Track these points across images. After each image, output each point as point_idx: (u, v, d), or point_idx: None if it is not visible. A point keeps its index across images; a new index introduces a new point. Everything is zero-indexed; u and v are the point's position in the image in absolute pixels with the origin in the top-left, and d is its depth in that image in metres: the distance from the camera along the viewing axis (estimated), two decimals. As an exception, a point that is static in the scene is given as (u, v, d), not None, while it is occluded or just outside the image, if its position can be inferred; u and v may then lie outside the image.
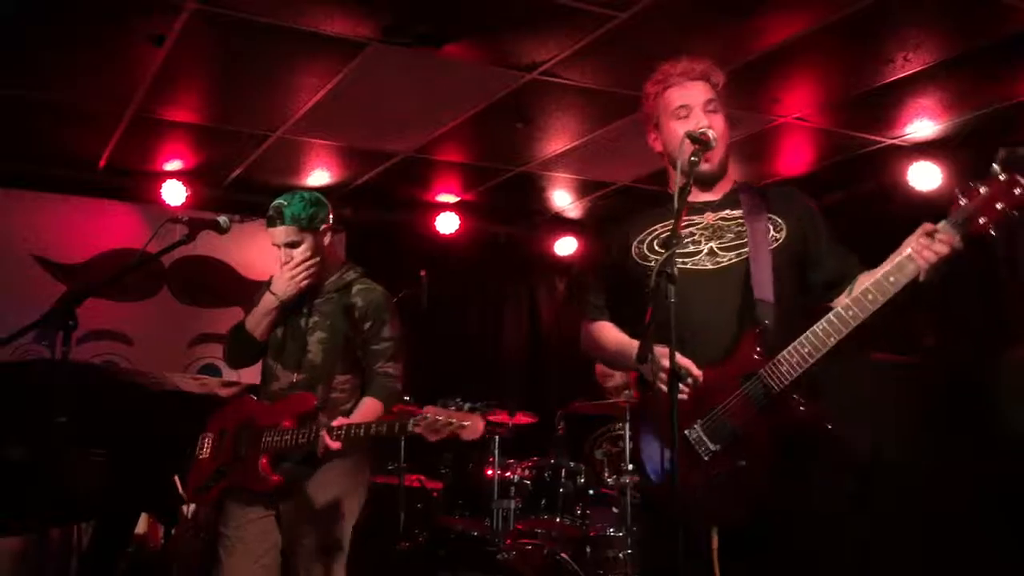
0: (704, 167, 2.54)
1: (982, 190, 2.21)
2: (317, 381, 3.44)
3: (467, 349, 7.60)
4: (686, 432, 2.45)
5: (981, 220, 2.22)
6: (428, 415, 3.06)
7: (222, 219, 3.43)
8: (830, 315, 2.35)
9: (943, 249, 2.25)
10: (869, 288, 2.31)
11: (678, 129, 2.59)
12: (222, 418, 3.56)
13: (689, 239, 2.61)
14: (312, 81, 5.00)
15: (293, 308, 3.53)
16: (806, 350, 2.36)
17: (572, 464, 4.64)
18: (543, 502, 4.56)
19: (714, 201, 2.67)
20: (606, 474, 4.71)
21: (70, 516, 4.52)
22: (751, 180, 2.82)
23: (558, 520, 4.52)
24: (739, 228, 2.59)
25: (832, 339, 2.34)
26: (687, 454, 2.42)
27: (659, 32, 4.32)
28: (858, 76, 4.90)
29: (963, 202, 2.24)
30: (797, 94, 5.12)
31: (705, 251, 2.59)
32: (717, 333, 2.51)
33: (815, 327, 2.36)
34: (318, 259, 3.49)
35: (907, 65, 4.72)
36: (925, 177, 5.86)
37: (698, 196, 2.67)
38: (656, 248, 2.63)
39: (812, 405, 2.40)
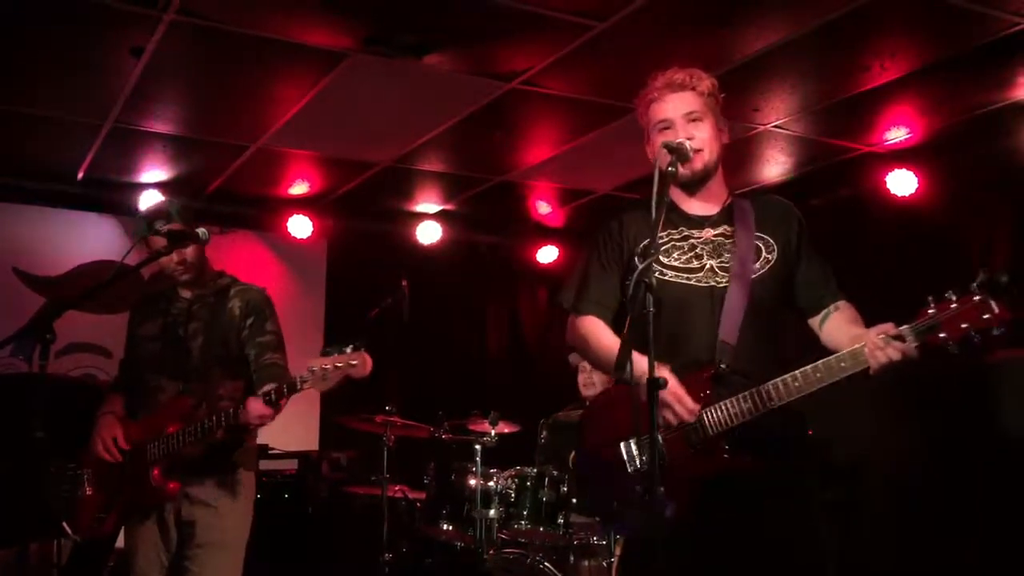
0: (682, 171, 2.55)
1: (953, 305, 2.22)
2: (203, 384, 3.42)
3: (449, 359, 7.59)
4: (621, 444, 2.52)
5: (942, 335, 2.23)
6: (314, 367, 3.01)
7: (201, 231, 3.42)
8: (777, 380, 2.39)
9: (895, 355, 2.28)
10: (819, 366, 2.36)
11: (659, 142, 2.60)
12: (91, 452, 3.48)
13: (691, 252, 2.62)
14: (292, 91, 4.99)
15: (168, 319, 3.51)
16: (747, 406, 2.41)
17: (555, 473, 4.64)
18: (526, 511, 4.55)
19: (712, 216, 2.67)
20: (589, 482, 4.71)
21: (49, 531, 4.48)
22: (738, 187, 2.80)
23: (541, 529, 4.52)
24: (733, 249, 2.60)
25: (773, 403, 2.40)
26: (616, 462, 2.51)
27: (638, 42, 4.34)
28: (835, 84, 4.94)
29: (931, 311, 2.25)
30: (775, 102, 5.16)
31: (707, 268, 2.60)
32: (700, 347, 2.54)
33: (761, 388, 2.40)
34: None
35: (884, 73, 4.76)
36: (902, 184, 5.91)
37: (696, 208, 2.68)
38: (683, 258, 2.65)
39: (736, 456, 2.43)
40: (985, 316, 2.18)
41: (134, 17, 4.11)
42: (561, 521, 4.51)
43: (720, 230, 2.64)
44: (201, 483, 3.38)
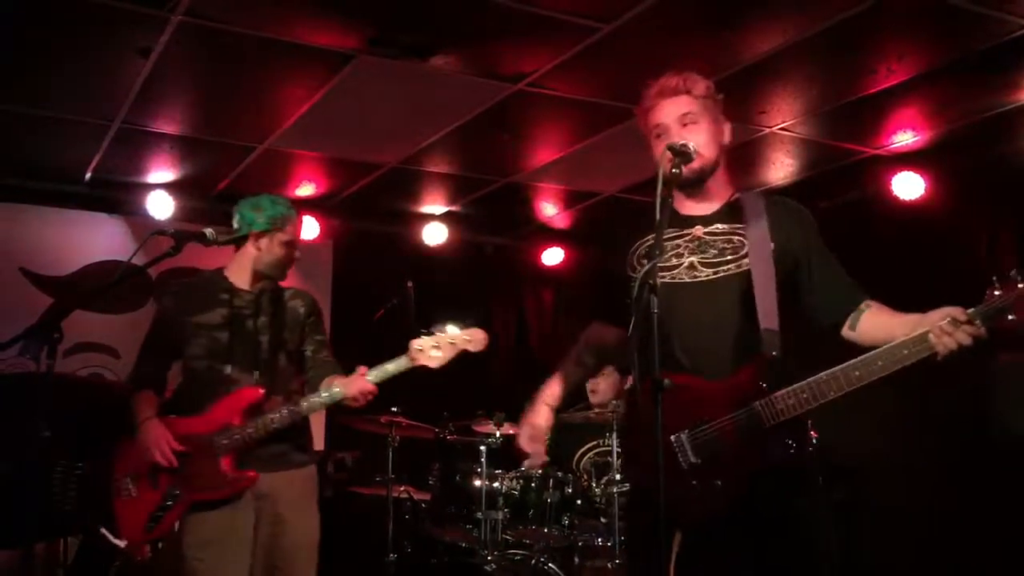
0: (685, 172, 2.55)
1: (1021, 285, 2.14)
2: (271, 376, 3.50)
3: (454, 360, 7.57)
4: (672, 438, 2.48)
5: (1011, 317, 2.17)
6: (420, 345, 3.29)
7: (208, 231, 3.44)
8: (836, 370, 2.34)
9: (966, 340, 2.22)
10: (880, 354, 2.30)
11: (657, 148, 2.64)
12: (133, 455, 3.46)
13: (673, 252, 2.63)
14: (298, 92, 5.01)
15: (234, 310, 3.55)
16: (804, 395, 2.36)
17: (559, 474, 4.64)
18: (531, 512, 4.56)
19: (705, 215, 2.68)
20: (593, 484, 4.71)
21: (55, 530, 4.49)
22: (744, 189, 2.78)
23: (545, 530, 4.52)
24: (724, 244, 2.60)
25: (832, 394, 2.34)
26: (668, 458, 2.45)
27: (643, 44, 4.35)
28: (842, 87, 4.93)
29: (997, 293, 2.18)
30: (781, 104, 5.16)
31: (685, 264, 2.61)
32: (703, 347, 2.54)
33: (819, 377, 2.35)
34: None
35: (891, 76, 4.76)
36: (909, 187, 5.90)
37: (690, 208, 2.69)
38: (640, 260, 2.68)
39: (800, 450, 2.41)
40: None
41: (142, 18, 4.12)
42: (566, 522, 4.51)
43: (712, 228, 2.64)
44: (291, 483, 3.45)
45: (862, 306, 2.54)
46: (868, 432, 5.16)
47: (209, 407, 3.43)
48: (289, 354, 3.60)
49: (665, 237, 2.64)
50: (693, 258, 2.61)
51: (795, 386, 2.38)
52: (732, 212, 2.66)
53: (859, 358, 2.33)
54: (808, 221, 2.68)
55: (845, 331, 2.55)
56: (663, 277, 2.59)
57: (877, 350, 2.32)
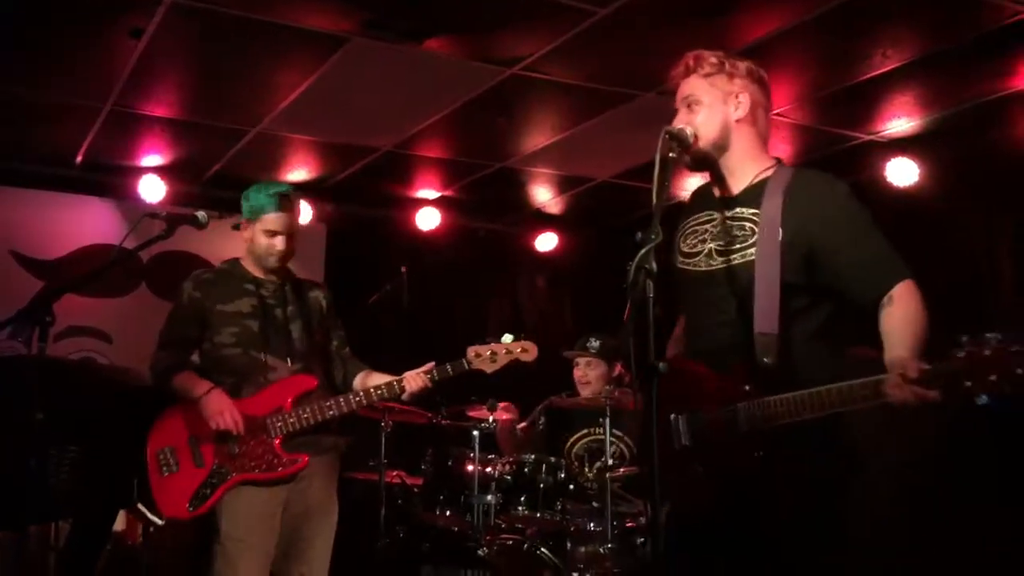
0: (686, 156, 2.54)
1: (986, 351, 1.96)
2: (310, 367, 3.57)
3: (448, 345, 7.57)
4: (671, 416, 2.47)
5: (967, 383, 1.99)
6: (480, 351, 3.59)
7: (200, 214, 3.43)
8: (812, 391, 2.24)
9: (911, 400, 2.10)
10: (837, 390, 2.20)
11: None
12: (171, 430, 3.48)
13: (700, 237, 2.60)
14: (292, 76, 4.98)
15: (263, 299, 3.58)
16: (780, 409, 2.29)
17: (552, 459, 4.64)
18: (523, 497, 4.56)
19: (731, 197, 2.59)
20: (586, 469, 4.71)
21: (48, 514, 4.49)
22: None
23: (538, 515, 4.53)
24: (738, 231, 2.51)
25: (807, 414, 2.25)
26: (666, 434, 2.47)
27: (639, 28, 4.32)
28: (836, 72, 4.92)
29: (961, 354, 2.00)
30: (776, 90, 5.12)
31: (704, 252, 2.58)
32: (707, 337, 2.54)
33: (799, 394, 2.26)
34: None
35: (885, 61, 4.75)
36: (903, 173, 5.90)
37: (722, 189, 2.62)
38: (683, 242, 2.65)
39: (768, 462, 2.32)
40: (1019, 370, 1.93)
41: (134, -1, 4.10)
42: (558, 507, 4.51)
43: (734, 211, 2.54)
44: (320, 468, 3.52)
45: (885, 299, 2.35)
46: (869, 426, 5.14)
47: (256, 391, 3.47)
48: (316, 344, 3.66)
49: (697, 221, 2.64)
50: (712, 244, 2.56)
51: (773, 398, 2.30)
52: (755, 192, 2.53)
53: (835, 386, 2.22)
54: (833, 198, 2.48)
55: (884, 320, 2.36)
56: (686, 264, 2.60)
57: (844, 384, 2.21)
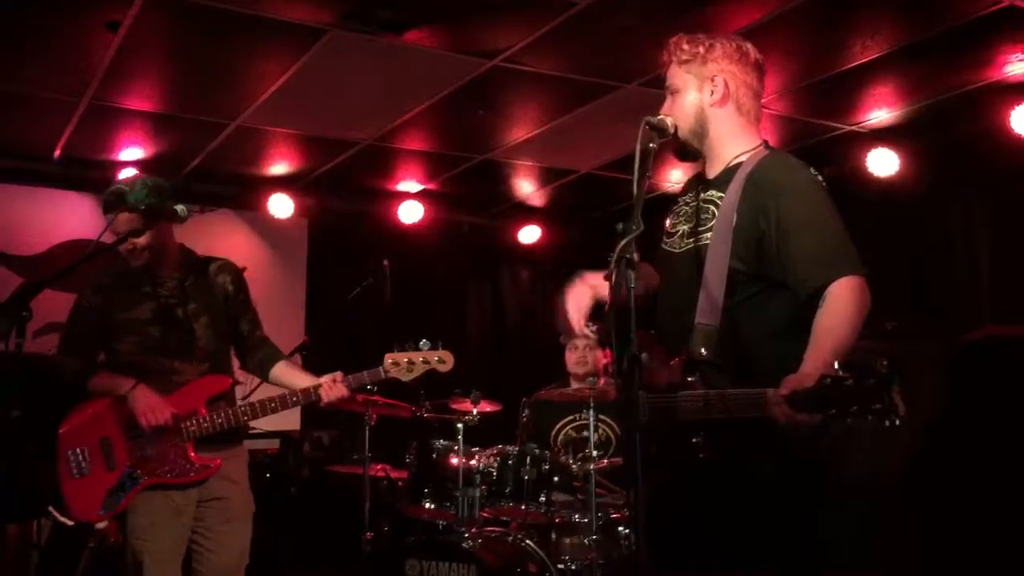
0: (667, 145, 2.55)
1: (847, 383, 1.97)
2: (215, 363, 3.50)
3: (430, 338, 7.56)
4: (640, 392, 2.34)
5: (832, 411, 2.00)
6: (398, 360, 3.51)
7: (180, 208, 3.40)
8: (715, 392, 2.24)
9: (780, 419, 2.08)
10: (734, 396, 2.19)
11: None
12: (83, 430, 3.40)
13: (678, 219, 2.63)
14: (272, 68, 4.94)
15: (161, 302, 3.47)
16: (694, 406, 2.27)
17: (537, 451, 4.64)
18: (508, 490, 4.56)
19: (708, 180, 2.58)
20: (570, 460, 4.72)
21: (28, 512, 4.45)
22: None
23: (523, 507, 4.53)
24: (705, 214, 2.50)
25: (715, 414, 2.24)
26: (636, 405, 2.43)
27: (620, 20, 4.31)
28: (817, 63, 4.94)
29: (828, 381, 2.00)
30: (757, 81, 5.15)
31: (678, 233, 2.60)
32: (672, 321, 2.52)
33: (705, 393, 2.25)
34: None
35: (865, 52, 4.76)
36: (883, 163, 5.93)
37: (707, 172, 2.62)
38: (668, 221, 2.67)
39: (706, 450, 2.30)
40: (876, 405, 1.95)
41: (110, -9, 4.06)
42: (543, 499, 4.52)
43: (708, 193, 2.53)
44: (228, 460, 3.45)
45: (829, 291, 2.27)
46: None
47: (168, 394, 3.36)
48: (224, 335, 3.57)
49: (683, 201, 2.66)
50: (685, 226, 2.57)
51: (688, 392, 2.28)
52: (727, 176, 2.51)
53: (733, 391, 2.22)
54: (792, 185, 2.42)
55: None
56: (665, 243, 2.62)
57: (740, 391, 2.20)
